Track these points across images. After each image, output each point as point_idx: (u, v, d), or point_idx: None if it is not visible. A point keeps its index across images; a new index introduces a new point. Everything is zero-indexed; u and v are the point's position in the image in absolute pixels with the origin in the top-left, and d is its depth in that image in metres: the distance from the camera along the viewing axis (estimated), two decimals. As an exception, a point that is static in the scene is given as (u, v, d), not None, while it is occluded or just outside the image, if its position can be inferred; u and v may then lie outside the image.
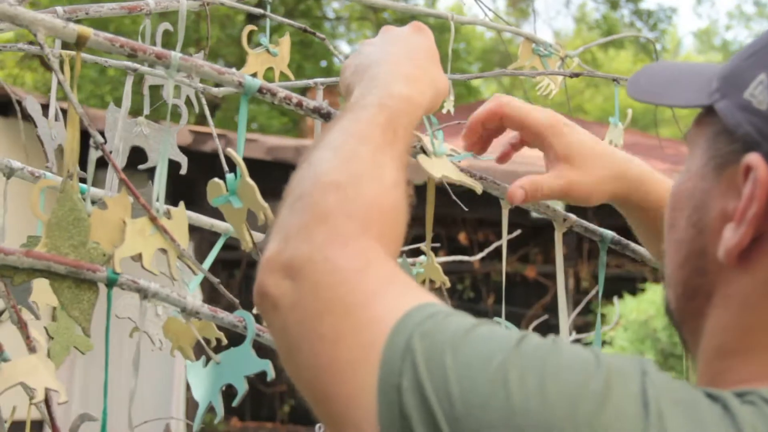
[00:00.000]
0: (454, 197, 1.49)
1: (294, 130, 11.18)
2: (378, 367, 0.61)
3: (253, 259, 1.16)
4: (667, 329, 4.94)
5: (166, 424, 1.06)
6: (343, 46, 14.74)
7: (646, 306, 5.17)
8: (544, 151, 1.03)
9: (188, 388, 5.15)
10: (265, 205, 1.05)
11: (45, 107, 1.44)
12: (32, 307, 1.22)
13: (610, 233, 1.19)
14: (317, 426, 1.17)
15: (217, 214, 1.63)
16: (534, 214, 1.11)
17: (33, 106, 1.43)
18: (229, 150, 1.06)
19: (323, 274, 0.67)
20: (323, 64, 12.72)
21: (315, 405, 0.66)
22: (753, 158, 0.64)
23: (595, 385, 0.57)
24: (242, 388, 1.08)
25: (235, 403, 1.10)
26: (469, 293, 6.91)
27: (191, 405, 6.21)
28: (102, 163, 1.16)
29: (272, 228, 0.74)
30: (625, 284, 5.43)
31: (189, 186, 3.52)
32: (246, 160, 1.06)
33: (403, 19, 11.09)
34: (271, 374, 1.07)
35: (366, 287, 0.66)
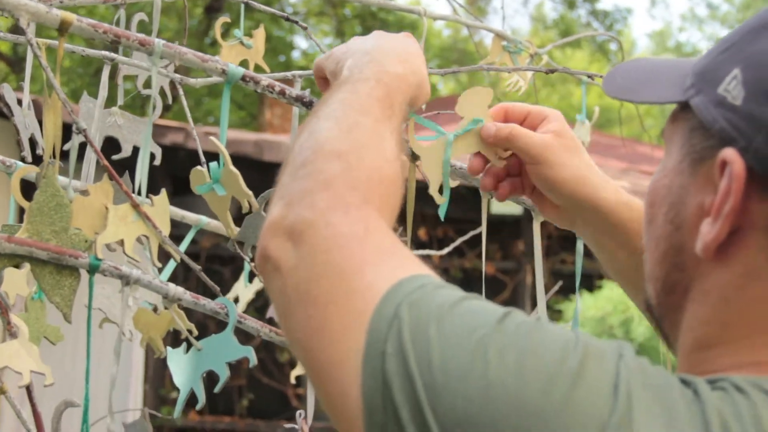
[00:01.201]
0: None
1: (252, 124, 11.12)
2: (365, 333, 0.62)
3: (213, 253, 1.16)
4: (623, 325, 5.01)
5: (143, 410, 1.05)
6: (302, 42, 14.70)
7: (603, 303, 5.23)
8: (547, 122, 1.04)
9: (146, 380, 5.06)
10: (249, 192, 1.06)
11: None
12: (2, 296, 1.21)
13: (586, 225, 1.20)
14: (298, 413, 1.17)
15: (181, 206, 1.63)
16: (493, 211, 1.11)
17: (9, 94, 1.42)
18: (212, 138, 1.06)
19: (324, 238, 0.68)
20: (282, 58, 12.68)
21: (305, 366, 0.68)
22: (728, 153, 0.65)
23: (571, 365, 0.58)
24: (224, 374, 1.08)
25: (217, 390, 1.10)
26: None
27: (148, 398, 6.17)
28: (77, 155, 1.16)
29: (274, 194, 0.75)
30: (582, 281, 5.47)
31: (151, 178, 3.47)
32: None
33: (363, 15, 11.07)
34: (253, 360, 1.08)
35: (363, 255, 0.67)
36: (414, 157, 1.08)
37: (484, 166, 1.05)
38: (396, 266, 0.67)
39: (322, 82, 1.00)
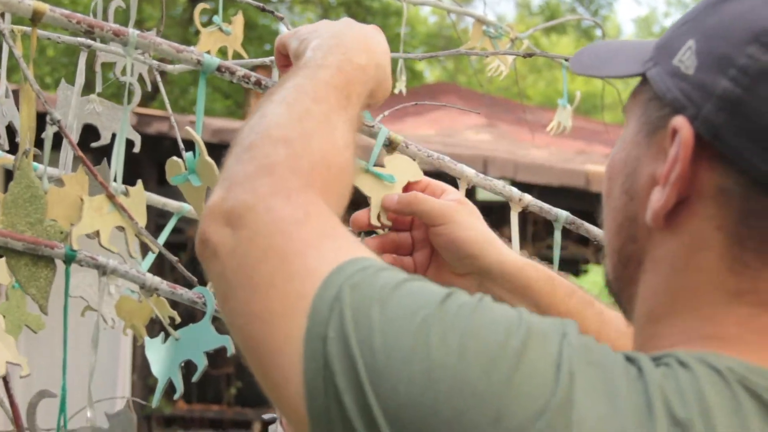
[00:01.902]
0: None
1: (238, 112, 11.09)
2: (306, 317, 0.62)
3: None
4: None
5: (127, 399, 1.05)
6: (286, 31, 14.63)
7: (589, 286, 5.25)
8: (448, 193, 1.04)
9: (133, 369, 5.06)
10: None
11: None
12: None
13: (564, 213, 1.21)
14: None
15: (167, 195, 1.62)
16: (479, 198, 1.11)
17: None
18: (188, 128, 1.06)
19: (263, 223, 0.67)
20: (267, 47, 12.64)
21: (246, 352, 0.67)
22: (678, 120, 0.65)
23: (513, 345, 0.58)
24: (202, 363, 1.08)
25: (194, 379, 1.10)
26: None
27: (136, 387, 6.16)
28: (54, 144, 1.15)
29: (219, 176, 0.74)
30: (568, 266, 5.50)
31: (135, 167, 3.47)
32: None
33: (348, 2, 11.05)
34: (231, 350, 1.08)
35: (303, 238, 0.67)
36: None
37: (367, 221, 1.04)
38: (337, 250, 0.66)
39: (282, 58, 0.98)
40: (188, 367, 1.11)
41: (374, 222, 1.03)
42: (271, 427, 1.17)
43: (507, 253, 1.00)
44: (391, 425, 0.57)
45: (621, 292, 0.75)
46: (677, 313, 0.67)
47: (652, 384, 0.58)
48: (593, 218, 1.17)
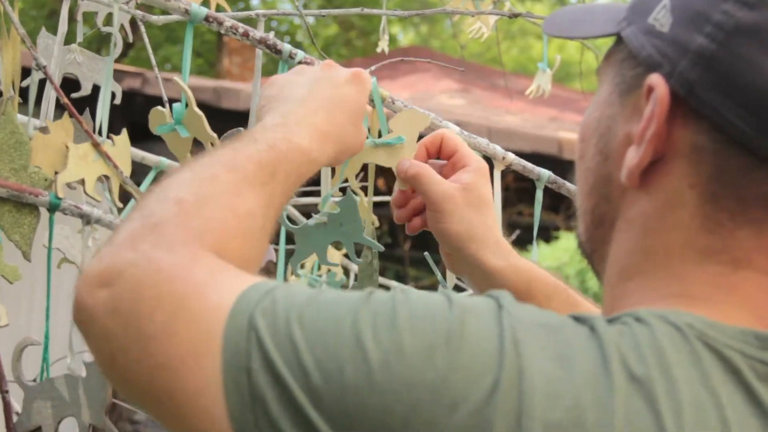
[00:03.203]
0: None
1: (210, 72, 10.98)
2: (220, 354, 0.59)
3: None
4: (578, 275, 5.07)
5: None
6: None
7: (560, 253, 5.29)
8: (464, 172, 1.02)
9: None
10: (213, 135, 1.05)
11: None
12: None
13: (546, 172, 1.21)
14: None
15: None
16: None
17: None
18: (176, 78, 1.05)
19: (146, 274, 0.63)
20: (240, 5, 12.51)
21: (156, 409, 0.63)
22: (653, 78, 0.65)
23: (449, 328, 0.57)
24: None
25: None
26: (386, 238, 6.95)
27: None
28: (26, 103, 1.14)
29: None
30: (539, 233, 5.53)
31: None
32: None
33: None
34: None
35: (195, 279, 0.63)
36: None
37: (405, 202, 1.06)
38: (233, 280, 0.64)
39: None
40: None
41: (401, 187, 1.05)
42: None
43: (489, 253, 0.99)
44: None
45: (593, 253, 0.75)
46: (648, 272, 0.67)
47: (606, 342, 0.58)
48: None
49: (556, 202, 6.29)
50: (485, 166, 1.03)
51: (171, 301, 0.62)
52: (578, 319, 0.61)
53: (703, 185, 0.65)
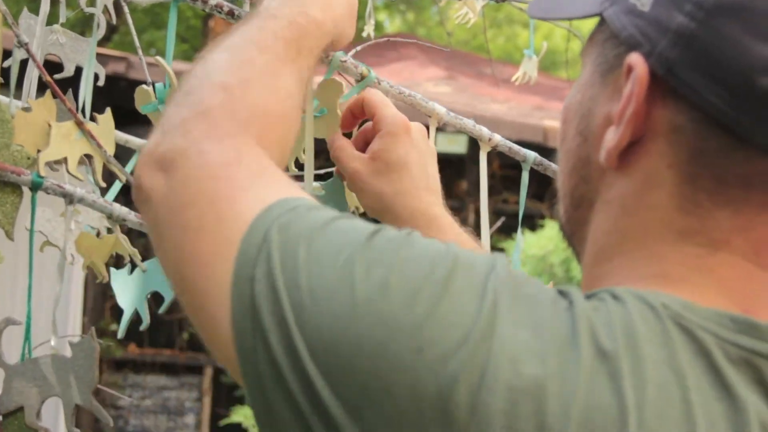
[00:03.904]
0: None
1: (195, 57, 10.96)
2: (235, 259, 0.62)
3: None
4: (563, 264, 5.08)
5: (92, 328, 1.05)
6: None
7: (545, 242, 5.28)
8: (376, 138, 1.02)
9: (84, 312, 4.99)
10: (197, 113, 1.04)
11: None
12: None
13: (532, 153, 1.21)
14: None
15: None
16: (438, 150, 1.10)
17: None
18: (158, 58, 1.05)
19: (194, 167, 0.67)
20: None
21: (179, 295, 0.68)
22: (633, 57, 0.65)
23: (437, 277, 0.58)
24: (169, 295, 1.08)
25: (161, 310, 1.10)
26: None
27: (87, 330, 6.13)
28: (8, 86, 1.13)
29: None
30: (524, 221, 5.53)
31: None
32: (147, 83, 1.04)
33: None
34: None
35: (233, 182, 0.67)
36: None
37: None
38: (267, 190, 0.66)
39: None
40: (138, 314, 1.11)
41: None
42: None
43: (403, 224, 0.98)
44: (316, 363, 0.57)
45: (573, 234, 0.75)
46: (625, 253, 0.67)
47: (580, 316, 0.58)
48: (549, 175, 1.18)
49: (542, 190, 6.30)
50: (400, 125, 1.01)
51: (207, 199, 0.66)
52: (561, 293, 0.61)
53: (682, 165, 0.64)
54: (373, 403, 0.55)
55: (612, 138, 0.66)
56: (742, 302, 0.64)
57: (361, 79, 1.10)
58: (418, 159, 1.01)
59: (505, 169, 6.51)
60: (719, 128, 0.63)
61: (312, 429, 0.57)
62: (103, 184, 1.09)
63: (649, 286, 0.64)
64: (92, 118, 1.09)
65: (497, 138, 1.19)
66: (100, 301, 6.59)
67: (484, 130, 1.18)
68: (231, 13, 1.08)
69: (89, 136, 1.03)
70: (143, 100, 1.07)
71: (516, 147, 1.20)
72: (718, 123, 0.63)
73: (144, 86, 1.07)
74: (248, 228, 0.63)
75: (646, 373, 0.57)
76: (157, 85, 1.07)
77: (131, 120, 1.78)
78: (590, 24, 0.76)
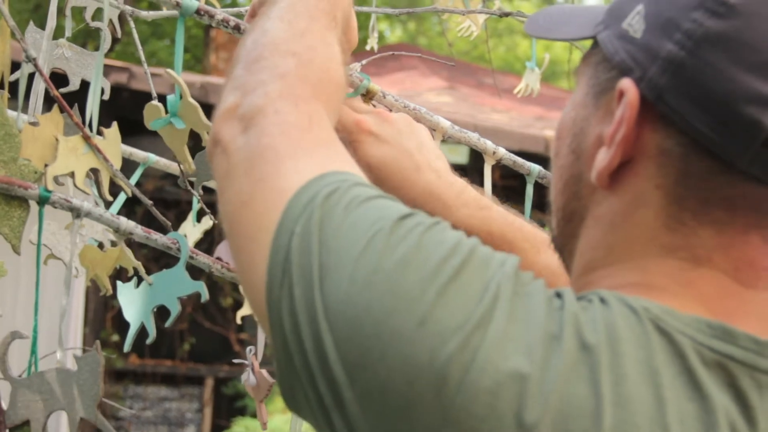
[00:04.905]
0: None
1: (197, 67, 10.95)
2: (282, 213, 0.66)
3: (157, 196, 1.16)
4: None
5: (96, 341, 1.05)
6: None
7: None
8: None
9: (86, 323, 4.98)
10: (209, 123, 1.05)
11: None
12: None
13: (537, 167, 1.22)
14: (248, 348, 1.18)
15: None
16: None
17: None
18: (169, 71, 1.05)
19: (271, 124, 0.72)
20: (228, 0, 12.47)
21: (229, 237, 0.72)
22: (625, 83, 0.68)
23: (453, 263, 0.61)
24: (175, 309, 1.08)
25: (168, 324, 1.10)
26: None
27: (88, 341, 6.12)
28: (20, 94, 1.13)
29: (225, 86, 0.78)
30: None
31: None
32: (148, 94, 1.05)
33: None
34: (205, 296, 1.08)
35: (301, 143, 0.71)
36: None
37: None
38: (327, 159, 0.70)
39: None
40: (142, 331, 1.11)
41: None
42: (242, 375, 1.17)
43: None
44: (328, 319, 0.61)
45: (563, 247, 0.78)
46: (611, 264, 0.70)
47: (568, 314, 0.61)
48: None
49: (543, 200, 6.30)
50: (352, 131, 1.00)
51: (274, 154, 0.70)
52: (557, 294, 0.64)
53: (669, 187, 0.67)
54: (370, 365, 0.59)
55: (603, 159, 0.69)
56: (719, 314, 0.67)
57: (367, 93, 1.11)
58: (393, 149, 0.99)
59: (506, 179, 6.51)
60: (705, 153, 0.66)
61: (317, 383, 0.61)
62: (110, 198, 1.09)
63: (633, 293, 0.66)
64: (99, 132, 1.09)
65: (501, 151, 1.19)
66: (101, 312, 6.59)
67: (488, 144, 1.19)
68: (237, 28, 1.09)
69: (96, 150, 1.03)
70: (153, 115, 1.07)
71: (520, 160, 1.21)
72: (704, 148, 0.66)
73: (153, 102, 1.08)
74: (301, 187, 0.66)
75: (624, 369, 0.60)
76: (168, 97, 1.08)
77: (134, 131, 1.78)
78: (590, 37, 0.77)
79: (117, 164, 1.06)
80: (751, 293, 0.68)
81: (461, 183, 1.02)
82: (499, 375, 0.58)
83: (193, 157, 1.15)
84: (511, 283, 0.62)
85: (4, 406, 1.04)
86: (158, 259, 5.87)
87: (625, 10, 0.70)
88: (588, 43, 0.78)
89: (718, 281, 0.68)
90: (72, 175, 1.03)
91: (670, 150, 0.67)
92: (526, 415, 0.57)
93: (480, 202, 1.01)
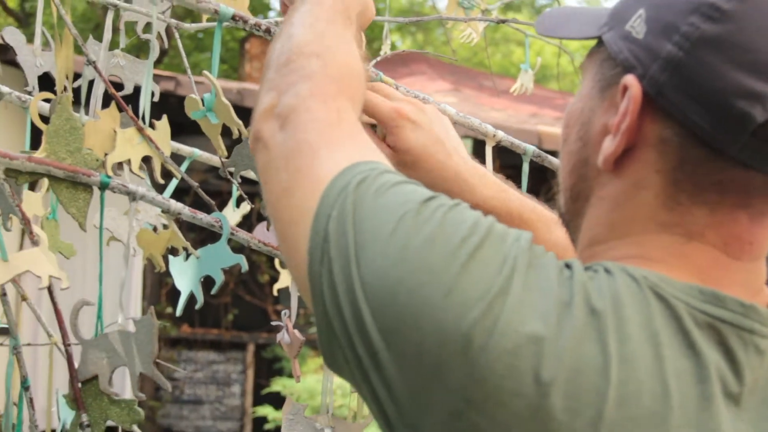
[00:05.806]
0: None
1: (233, 75, 10.96)
2: (319, 199, 0.66)
3: (201, 188, 1.18)
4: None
5: (151, 307, 1.05)
6: (276, 4, 14.41)
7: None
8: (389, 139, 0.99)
9: (143, 298, 5.00)
10: (239, 122, 1.05)
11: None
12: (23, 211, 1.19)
13: (531, 147, 1.21)
14: (283, 312, 1.18)
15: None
16: None
17: (12, 36, 1.38)
18: (205, 72, 1.05)
19: (304, 121, 0.71)
20: (260, 17, 12.45)
21: (274, 223, 0.71)
22: (628, 78, 0.68)
23: (474, 240, 0.61)
24: (219, 278, 1.08)
25: (213, 292, 1.10)
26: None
27: (146, 312, 6.15)
28: (80, 100, 1.13)
29: (261, 88, 0.78)
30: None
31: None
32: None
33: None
34: (245, 267, 1.08)
35: (333, 137, 0.70)
36: None
37: None
38: (356, 150, 0.70)
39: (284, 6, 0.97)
40: (192, 298, 1.11)
41: None
42: (278, 335, 1.17)
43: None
44: (364, 291, 0.61)
45: (570, 223, 0.77)
46: (613, 239, 0.70)
47: (577, 283, 0.62)
48: (544, 173, 1.17)
49: (538, 185, 6.28)
50: (395, 116, 0.97)
51: (310, 148, 0.69)
52: (567, 265, 0.64)
53: (668, 172, 0.67)
54: (404, 331, 0.59)
55: (609, 146, 0.69)
56: (710, 281, 0.67)
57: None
58: (429, 135, 0.97)
59: (505, 169, 6.48)
60: (700, 142, 0.66)
61: (355, 347, 0.62)
62: (162, 181, 1.09)
63: (634, 264, 0.67)
64: (151, 125, 1.09)
65: (501, 134, 1.19)
66: (156, 288, 6.62)
67: (488, 127, 1.19)
68: (268, 31, 1.08)
69: (149, 140, 1.03)
70: (192, 107, 1.07)
71: (517, 141, 1.21)
72: (699, 138, 0.66)
73: (193, 96, 1.08)
74: (335, 176, 0.66)
75: (628, 331, 0.60)
76: (205, 95, 1.08)
77: (181, 132, 1.78)
78: (577, 43, 0.77)
79: (167, 152, 1.06)
80: (738, 264, 0.68)
81: (482, 168, 1.01)
82: (518, 337, 0.58)
83: (230, 150, 1.15)
84: (526, 255, 0.62)
85: (76, 365, 1.05)
86: (204, 242, 5.89)
87: (628, 14, 0.70)
88: (575, 45, 0.78)
89: (709, 254, 0.68)
90: (128, 162, 1.03)
91: (669, 139, 0.67)
92: (544, 372, 0.58)
93: (500, 185, 1.00)
